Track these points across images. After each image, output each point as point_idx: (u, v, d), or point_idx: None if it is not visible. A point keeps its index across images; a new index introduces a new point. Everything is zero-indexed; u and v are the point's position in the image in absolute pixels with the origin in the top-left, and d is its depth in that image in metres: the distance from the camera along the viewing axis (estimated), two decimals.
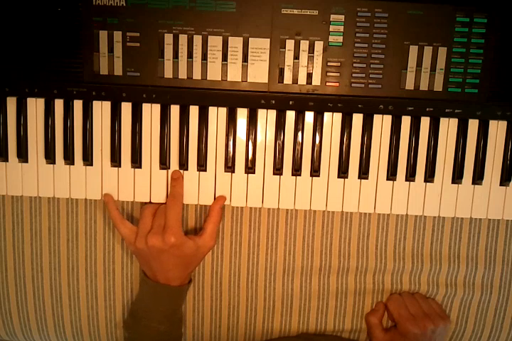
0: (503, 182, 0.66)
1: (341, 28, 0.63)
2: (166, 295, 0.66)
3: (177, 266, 0.65)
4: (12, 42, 0.63)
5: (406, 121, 0.65)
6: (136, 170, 0.66)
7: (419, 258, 0.73)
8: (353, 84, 0.64)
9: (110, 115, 0.65)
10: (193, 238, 0.65)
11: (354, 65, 0.63)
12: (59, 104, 0.65)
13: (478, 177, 0.66)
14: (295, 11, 0.62)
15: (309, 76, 0.64)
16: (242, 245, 0.73)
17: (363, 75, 0.64)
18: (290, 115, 0.65)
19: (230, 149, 0.65)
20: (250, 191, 0.66)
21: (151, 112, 0.65)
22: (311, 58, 0.63)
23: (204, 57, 0.63)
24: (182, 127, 0.65)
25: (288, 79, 0.64)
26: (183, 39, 0.63)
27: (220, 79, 0.64)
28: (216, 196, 0.66)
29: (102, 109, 0.65)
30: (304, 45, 0.63)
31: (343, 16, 0.62)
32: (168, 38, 0.63)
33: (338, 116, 0.65)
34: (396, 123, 0.65)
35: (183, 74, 0.64)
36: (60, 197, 0.71)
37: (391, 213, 0.67)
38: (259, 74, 0.64)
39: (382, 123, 0.65)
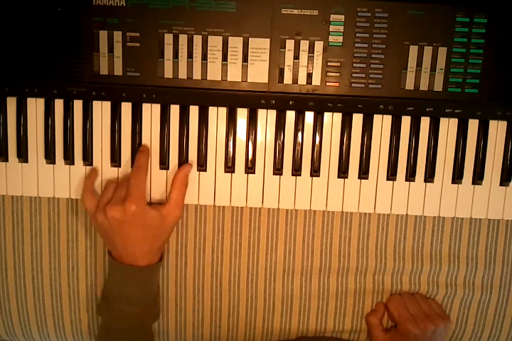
0: (503, 182, 0.66)
1: (341, 28, 0.63)
2: (134, 277, 0.63)
3: (142, 239, 0.61)
4: (12, 43, 0.63)
5: (406, 121, 0.65)
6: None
7: (419, 259, 0.73)
8: (353, 84, 0.64)
9: (110, 115, 0.65)
10: (156, 207, 0.61)
11: (354, 65, 0.63)
12: (59, 104, 0.65)
13: (478, 178, 0.66)
14: (295, 11, 0.62)
15: (309, 76, 0.64)
16: (242, 245, 0.73)
17: (363, 75, 0.64)
18: (290, 115, 0.65)
19: (230, 149, 0.65)
20: (250, 191, 0.66)
21: (151, 112, 0.65)
22: (311, 58, 0.63)
23: (204, 57, 0.63)
24: (182, 127, 0.65)
25: (288, 79, 0.64)
26: (183, 39, 0.63)
27: (220, 79, 0.64)
28: (216, 195, 0.66)
29: (102, 109, 0.65)
30: (304, 45, 0.63)
31: (343, 16, 0.62)
32: (168, 38, 0.63)
33: (338, 116, 0.65)
34: (396, 124, 0.65)
35: (183, 74, 0.64)
36: (60, 197, 0.71)
37: (391, 213, 0.67)
38: (259, 74, 0.64)
39: (382, 123, 0.65)
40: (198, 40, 0.63)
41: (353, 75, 0.64)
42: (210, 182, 0.66)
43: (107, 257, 0.68)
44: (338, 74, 0.64)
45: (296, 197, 0.66)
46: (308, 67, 0.64)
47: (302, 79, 0.64)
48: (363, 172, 0.66)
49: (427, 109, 0.65)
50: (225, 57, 0.63)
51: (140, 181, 0.61)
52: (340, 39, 0.63)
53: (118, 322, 0.65)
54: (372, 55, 0.63)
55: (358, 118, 0.65)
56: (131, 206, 0.59)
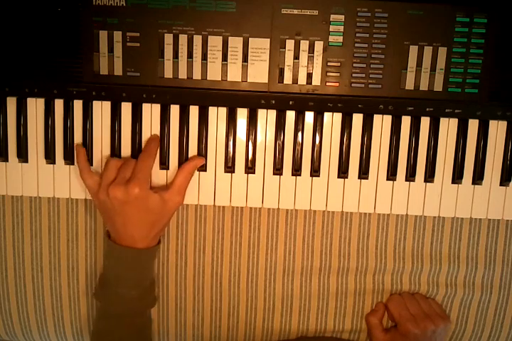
0: (503, 182, 0.66)
1: (341, 28, 0.63)
2: (132, 259, 0.62)
3: (142, 222, 0.61)
4: (12, 43, 0.63)
5: (406, 121, 0.65)
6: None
7: (419, 258, 0.73)
8: (353, 84, 0.64)
9: (110, 115, 0.65)
10: (159, 192, 0.61)
11: (354, 65, 0.63)
12: (59, 104, 0.65)
13: (478, 178, 0.66)
14: (295, 11, 0.62)
15: (309, 76, 0.64)
16: (242, 245, 0.73)
17: (363, 75, 0.64)
18: (290, 115, 0.65)
19: (230, 149, 0.65)
20: (250, 191, 0.66)
21: (151, 112, 0.65)
22: (311, 58, 0.63)
23: (204, 57, 0.63)
24: (182, 127, 0.65)
25: (288, 79, 0.64)
26: (183, 39, 0.63)
27: (220, 79, 0.64)
28: (216, 195, 0.66)
29: (102, 109, 0.65)
30: (304, 45, 0.63)
31: (343, 16, 0.62)
32: (168, 38, 0.63)
33: (338, 116, 0.65)
34: (396, 124, 0.65)
35: (183, 74, 0.64)
36: (60, 197, 0.71)
37: (391, 213, 0.67)
38: (259, 74, 0.64)
39: (382, 123, 0.65)
40: (198, 40, 0.63)
41: (353, 75, 0.64)
42: (210, 182, 0.66)
43: (104, 239, 0.67)
44: (338, 74, 0.64)
45: (296, 197, 0.66)
46: (308, 67, 0.64)
47: (302, 79, 0.64)
48: (363, 172, 0.66)
49: (427, 109, 0.65)
50: (225, 57, 0.63)
51: (147, 165, 0.61)
52: (340, 39, 0.63)
53: (115, 306, 0.65)
54: (372, 55, 0.63)
55: (358, 118, 0.65)
56: (135, 188, 0.59)
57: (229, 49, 0.63)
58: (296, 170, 0.66)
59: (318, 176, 0.66)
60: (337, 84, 0.64)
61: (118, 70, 0.64)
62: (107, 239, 0.64)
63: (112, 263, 0.65)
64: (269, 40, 0.63)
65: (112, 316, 0.66)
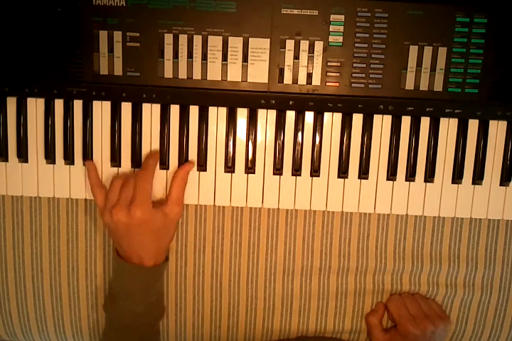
0: (503, 182, 0.66)
1: (341, 28, 0.63)
2: (139, 276, 0.63)
3: (147, 242, 0.61)
4: (12, 43, 0.63)
5: (406, 121, 0.65)
6: (136, 170, 0.66)
7: (419, 259, 0.73)
8: (353, 84, 0.64)
9: (110, 115, 0.65)
10: (160, 208, 0.61)
11: (354, 65, 0.63)
12: (59, 104, 0.65)
13: (478, 178, 0.66)
14: (295, 11, 0.62)
15: (309, 76, 0.64)
16: (242, 245, 0.73)
17: (363, 75, 0.64)
18: (290, 115, 0.65)
19: (230, 149, 0.65)
20: (250, 191, 0.66)
21: (151, 112, 0.65)
22: (311, 58, 0.63)
23: (204, 57, 0.63)
24: (182, 127, 0.65)
25: (288, 79, 0.64)
26: (183, 39, 0.63)
27: (220, 79, 0.64)
28: (216, 195, 0.66)
29: (102, 109, 0.65)
30: (304, 45, 0.63)
31: (343, 16, 0.62)
32: (168, 38, 0.63)
33: (338, 116, 0.65)
34: (396, 123, 0.65)
35: (183, 74, 0.64)
36: (60, 197, 0.71)
37: (391, 213, 0.67)
38: (259, 74, 0.64)
39: (382, 123, 0.65)
40: (198, 40, 0.63)
41: (353, 75, 0.64)
42: (210, 182, 0.66)
43: (113, 255, 0.67)
44: (338, 74, 0.64)
45: (296, 197, 0.66)
46: (308, 67, 0.64)
47: (302, 79, 0.64)
48: (363, 172, 0.66)
49: (427, 109, 0.65)
50: (225, 57, 0.63)
51: (146, 184, 0.61)
52: (340, 39, 0.63)
53: (123, 319, 0.65)
54: (372, 55, 0.63)
55: (358, 118, 0.65)
56: (137, 211, 0.59)
57: (229, 49, 0.63)
58: (296, 170, 0.66)
59: (318, 176, 0.66)
60: (337, 84, 0.64)
61: (118, 70, 0.64)
62: (115, 255, 0.64)
63: (120, 278, 0.65)
64: (269, 40, 0.63)
65: (120, 328, 0.66)
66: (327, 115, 0.65)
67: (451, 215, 0.67)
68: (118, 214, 0.59)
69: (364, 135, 0.65)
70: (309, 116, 0.65)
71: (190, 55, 0.63)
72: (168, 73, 0.64)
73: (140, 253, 0.62)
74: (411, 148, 0.65)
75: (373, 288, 0.74)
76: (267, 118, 0.65)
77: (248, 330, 0.75)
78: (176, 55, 0.63)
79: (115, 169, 0.66)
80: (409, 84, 0.64)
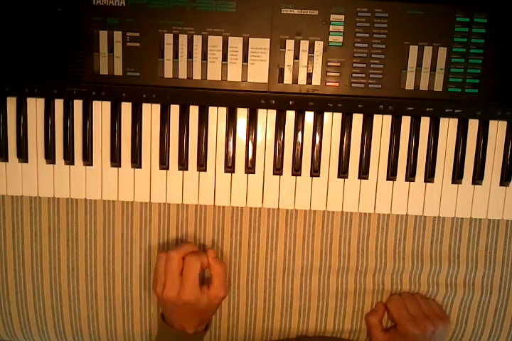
0: (503, 182, 0.66)
1: (341, 28, 0.63)
2: (180, 340, 0.67)
3: (192, 317, 0.66)
4: (12, 43, 0.63)
5: (406, 121, 0.65)
6: (136, 170, 0.66)
7: (419, 258, 0.73)
8: (353, 84, 0.64)
9: (110, 115, 0.65)
10: (206, 292, 0.65)
11: (354, 65, 0.63)
12: (59, 104, 0.65)
13: (478, 177, 0.66)
14: (295, 11, 0.62)
15: (309, 76, 0.64)
16: (242, 245, 0.73)
17: (363, 75, 0.64)
18: (290, 115, 0.65)
19: (230, 149, 0.65)
20: (250, 191, 0.66)
21: (151, 112, 0.65)
22: (311, 58, 0.63)
23: (204, 57, 0.63)
24: (182, 127, 0.65)
25: (288, 79, 0.64)
26: (183, 39, 0.63)
27: (220, 79, 0.64)
28: (216, 195, 0.66)
29: (102, 109, 0.65)
30: (304, 45, 0.63)
31: (343, 16, 0.62)
32: (168, 38, 0.63)
33: (338, 116, 0.65)
34: (396, 123, 0.65)
35: (183, 74, 0.64)
36: (60, 197, 0.71)
37: (391, 213, 0.67)
38: (259, 74, 0.64)
39: (382, 123, 0.65)
40: (198, 40, 0.63)
41: (353, 75, 0.64)
42: (210, 182, 0.66)
43: (158, 320, 0.71)
44: (338, 74, 0.64)
45: (296, 197, 0.66)
46: (308, 67, 0.64)
47: (302, 79, 0.64)
48: (363, 172, 0.66)
49: (427, 109, 0.65)
50: (225, 57, 0.63)
51: (194, 270, 0.65)
52: (340, 39, 0.63)
53: None
54: (372, 55, 0.63)
55: (358, 118, 0.65)
56: (185, 294, 0.64)
57: (229, 49, 0.63)
58: (296, 170, 0.66)
59: (318, 176, 0.66)
60: (337, 84, 0.64)
61: (118, 70, 0.64)
62: (161, 320, 0.68)
63: (162, 339, 0.69)
64: (269, 40, 0.63)
65: None
66: (327, 115, 0.65)
67: (451, 215, 0.67)
68: (168, 294, 0.64)
69: (364, 135, 0.65)
70: (309, 116, 0.65)
71: (190, 55, 0.63)
72: (168, 73, 0.64)
73: (183, 323, 0.66)
74: (411, 148, 0.65)
75: (373, 288, 0.74)
76: (267, 118, 0.65)
77: (248, 330, 0.75)
78: (175, 55, 0.63)
79: (115, 169, 0.66)
80: (409, 84, 0.64)
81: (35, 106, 0.65)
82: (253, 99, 0.64)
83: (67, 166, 0.66)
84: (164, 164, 0.65)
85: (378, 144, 0.65)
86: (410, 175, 0.66)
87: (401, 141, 0.65)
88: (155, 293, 0.66)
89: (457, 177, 0.66)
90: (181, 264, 0.65)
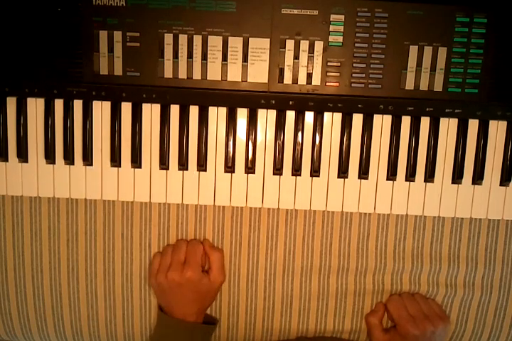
0: (503, 182, 0.66)
1: (341, 28, 0.63)
2: (181, 330, 0.67)
3: (193, 300, 0.68)
4: (12, 43, 0.63)
5: (406, 121, 0.65)
6: (136, 170, 0.66)
7: (419, 258, 0.73)
8: (353, 84, 0.64)
9: (110, 115, 0.65)
10: (206, 274, 0.68)
11: (354, 65, 0.63)
12: (59, 104, 0.65)
13: (478, 178, 0.66)
14: (295, 11, 0.62)
15: (309, 76, 0.64)
16: (242, 245, 0.73)
17: (363, 75, 0.64)
18: (290, 115, 0.65)
19: (230, 149, 0.65)
20: (250, 191, 0.66)
21: (151, 112, 0.65)
22: (311, 58, 0.63)
23: (204, 57, 0.63)
24: (182, 127, 0.65)
25: (288, 79, 0.64)
26: (183, 39, 0.63)
27: (220, 79, 0.64)
28: (216, 195, 0.66)
29: (102, 109, 0.65)
30: (304, 45, 0.63)
31: (343, 16, 0.62)
32: (168, 38, 0.63)
33: (338, 116, 0.65)
34: (396, 123, 0.65)
35: (183, 74, 0.64)
36: (60, 197, 0.71)
37: (391, 213, 0.67)
38: (259, 74, 0.64)
39: (382, 123, 0.65)
40: (198, 40, 0.63)
41: (353, 75, 0.64)
42: (210, 182, 0.66)
43: (158, 312, 0.71)
44: (338, 74, 0.64)
45: (296, 197, 0.66)
46: (308, 67, 0.64)
47: (302, 79, 0.64)
48: (363, 172, 0.66)
49: (427, 109, 0.65)
50: (225, 57, 0.63)
51: (197, 250, 0.69)
52: (340, 39, 0.63)
53: None
54: (372, 55, 0.63)
55: (358, 118, 0.65)
56: (188, 271, 0.66)
57: (229, 49, 0.63)
58: (296, 170, 0.66)
59: (318, 176, 0.66)
60: (337, 84, 0.64)
61: (118, 70, 0.64)
62: (159, 311, 0.70)
63: (162, 332, 0.69)
64: (269, 40, 0.63)
65: None
66: (327, 115, 0.65)
67: (451, 215, 0.67)
68: (172, 274, 0.66)
69: (364, 135, 0.65)
70: (309, 116, 0.65)
71: (190, 55, 0.63)
72: (168, 73, 0.64)
73: (185, 310, 0.67)
74: (411, 148, 0.65)
75: (373, 288, 0.74)
76: (267, 118, 0.65)
77: (248, 330, 0.75)
78: (175, 55, 0.63)
79: (115, 169, 0.66)
80: (409, 84, 0.64)
81: (35, 106, 0.65)
82: (253, 99, 0.64)
83: (67, 166, 0.66)
84: (164, 164, 0.65)
85: (378, 144, 0.65)
86: (410, 175, 0.66)
87: (401, 141, 0.65)
88: (155, 282, 0.68)
89: (457, 177, 0.66)
90: (186, 253, 0.69)
